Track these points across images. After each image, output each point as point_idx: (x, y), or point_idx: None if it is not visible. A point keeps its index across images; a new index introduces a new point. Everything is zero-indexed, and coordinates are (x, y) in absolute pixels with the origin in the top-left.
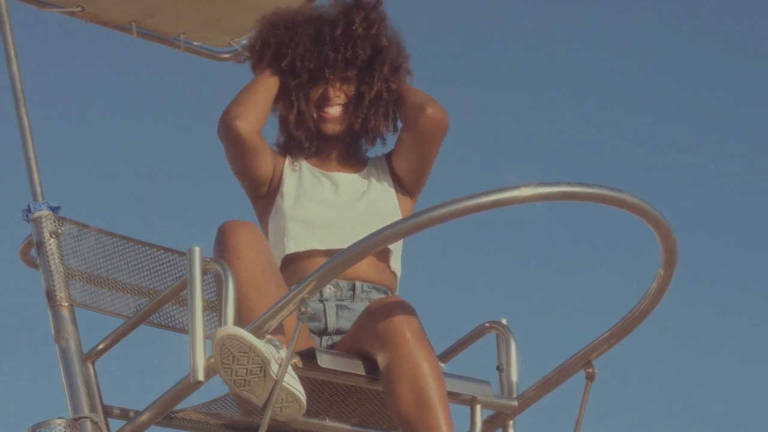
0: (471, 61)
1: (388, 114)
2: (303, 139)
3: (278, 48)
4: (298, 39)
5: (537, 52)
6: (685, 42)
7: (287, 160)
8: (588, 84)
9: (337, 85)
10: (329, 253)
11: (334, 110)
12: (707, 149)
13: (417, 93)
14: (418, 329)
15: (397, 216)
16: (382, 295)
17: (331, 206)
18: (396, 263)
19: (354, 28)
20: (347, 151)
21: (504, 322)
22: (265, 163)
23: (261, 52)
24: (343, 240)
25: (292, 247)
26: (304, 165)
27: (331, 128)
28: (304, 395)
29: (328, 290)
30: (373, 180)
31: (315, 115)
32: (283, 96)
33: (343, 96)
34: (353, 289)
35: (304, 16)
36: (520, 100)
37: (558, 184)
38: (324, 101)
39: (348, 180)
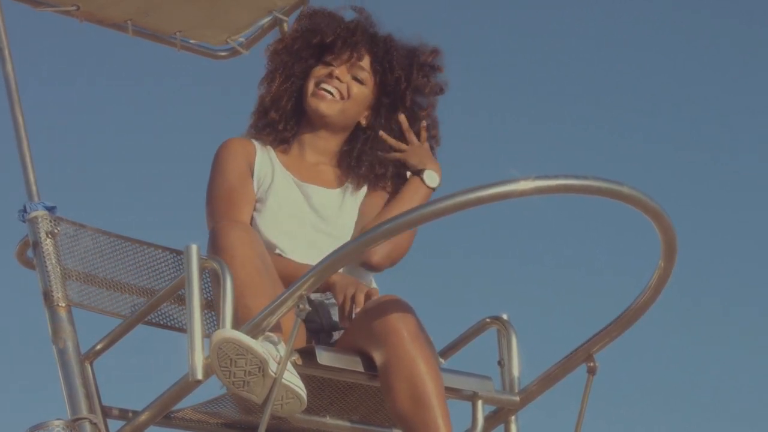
0: (470, 57)
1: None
2: (277, 120)
3: (322, 28)
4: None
5: (536, 49)
6: (685, 38)
7: (257, 153)
8: (588, 80)
9: (347, 76)
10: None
11: (332, 88)
12: (707, 146)
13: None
14: (415, 328)
15: None
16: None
17: (303, 224)
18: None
19: (415, 66)
20: (330, 161)
21: (505, 317)
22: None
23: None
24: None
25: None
26: (278, 168)
27: (315, 104)
28: (305, 391)
29: (313, 293)
30: (350, 202)
31: (310, 90)
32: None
33: (345, 86)
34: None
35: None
36: (519, 96)
37: (556, 177)
38: (326, 78)
39: (322, 195)
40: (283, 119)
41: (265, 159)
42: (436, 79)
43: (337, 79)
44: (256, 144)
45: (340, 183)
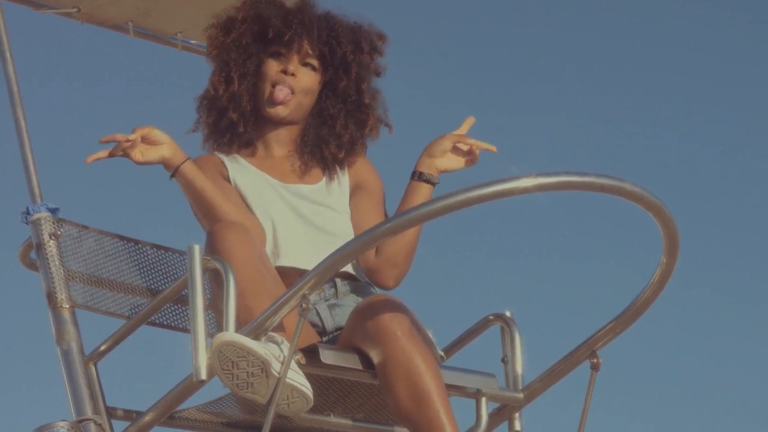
0: (468, 52)
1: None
2: (236, 121)
3: (269, 17)
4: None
5: (536, 46)
6: (685, 32)
7: (227, 166)
8: (589, 74)
9: (300, 68)
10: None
11: (287, 87)
12: (709, 139)
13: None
14: (408, 326)
15: None
16: (365, 286)
17: (297, 224)
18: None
19: (362, 45)
20: (295, 149)
21: (508, 314)
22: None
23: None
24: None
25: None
26: (255, 174)
27: (274, 109)
28: (310, 389)
29: (313, 295)
30: (336, 193)
31: (268, 92)
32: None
33: (299, 80)
34: (335, 286)
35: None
36: (520, 94)
37: (557, 173)
38: (280, 75)
39: (305, 193)
40: (242, 120)
41: (238, 169)
42: (377, 61)
43: (292, 75)
44: (221, 156)
45: (318, 175)
